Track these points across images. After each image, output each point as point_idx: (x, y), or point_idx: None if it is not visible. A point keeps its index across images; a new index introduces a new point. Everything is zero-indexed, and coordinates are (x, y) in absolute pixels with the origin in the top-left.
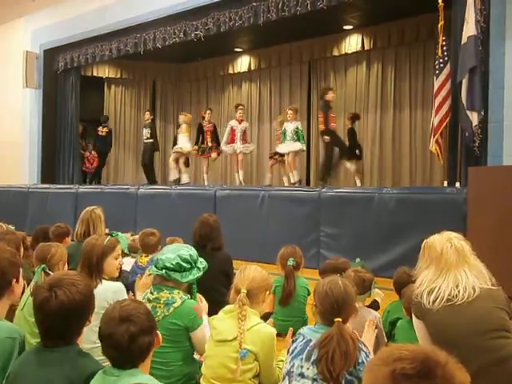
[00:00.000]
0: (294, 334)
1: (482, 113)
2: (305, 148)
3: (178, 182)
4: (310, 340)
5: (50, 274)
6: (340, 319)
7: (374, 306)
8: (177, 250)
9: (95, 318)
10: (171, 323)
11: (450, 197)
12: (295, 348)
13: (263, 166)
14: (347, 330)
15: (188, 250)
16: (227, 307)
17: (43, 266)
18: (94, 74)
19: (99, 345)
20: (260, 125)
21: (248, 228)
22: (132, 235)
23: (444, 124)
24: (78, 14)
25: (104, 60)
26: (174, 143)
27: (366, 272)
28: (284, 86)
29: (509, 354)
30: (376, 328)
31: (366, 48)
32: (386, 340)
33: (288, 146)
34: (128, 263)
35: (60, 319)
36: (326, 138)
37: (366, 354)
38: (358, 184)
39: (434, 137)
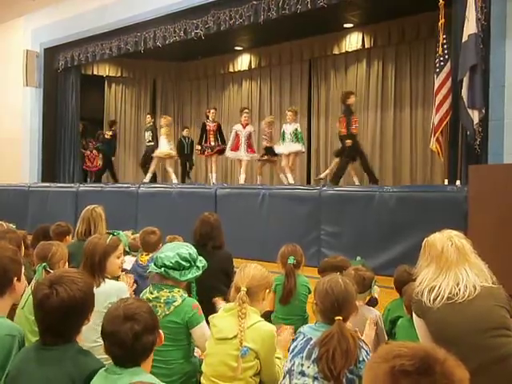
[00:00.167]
0: (294, 332)
1: (483, 111)
2: (304, 150)
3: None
4: (311, 338)
5: (50, 272)
6: (340, 317)
7: (373, 302)
8: (176, 249)
9: (97, 316)
10: (172, 322)
11: (450, 195)
12: (296, 346)
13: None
14: (348, 329)
15: (187, 249)
16: (227, 305)
17: (44, 264)
18: (95, 73)
19: (100, 343)
20: (260, 123)
21: (249, 226)
22: (133, 233)
23: (444, 122)
24: (78, 13)
25: (104, 59)
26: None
27: (366, 270)
28: (284, 84)
29: (509, 352)
30: (376, 326)
31: (366, 46)
32: (386, 338)
33: (288, 148)
34: (129, 262)
35: (60, 316)
36: (349, 141)
37: (366, 352)
38: (357, 183)
39: (434, 135)
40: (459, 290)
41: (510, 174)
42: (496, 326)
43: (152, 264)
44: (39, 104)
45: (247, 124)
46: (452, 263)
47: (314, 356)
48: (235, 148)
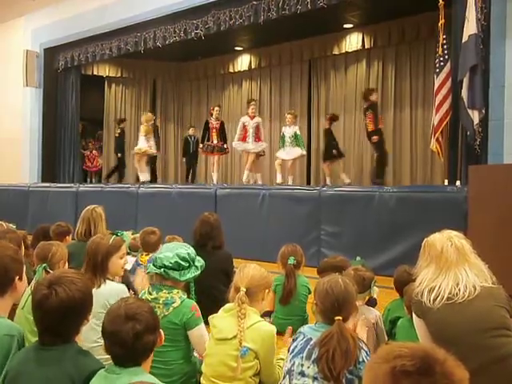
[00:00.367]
0: (293, 332)
1: (483, 111)
2: (305, 153)
3: (147, 182)
4: (311, 339)
5: (50, 272)
6: (340, 318)
7: (372, 302)
8: (175, 249)
9: (97, 317)
10: (170, 323)
11: (450, 195)
12: (296, 347)
13: (263, 165)
14: (348, 329)
15: (186, 249)
16: (227, 305)
17: (44, 264)
18: (95, 73)
19: (100, 344)
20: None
21: (249, 226)
22: (133, 233)
23: (444, 122)
24: (78, 13)
25: (104, 59)
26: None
27: (366, 270)
28: (284, 84)
29: (509, 352)
30: (376, 326)
31: (366, 47)
32: (386, 338)
33: (289, 153)
34: (129, 262)
35: (59, 317)
36: (375, 137)
37: (366, 352)
38: (347, 181)
39: (434, 135)
40: (459, 290)
41: (509, 174)
42: (496, 326)
43: (151, 265)
44: (39, 104)
45: (254, 116)
46: (452, 263)
47: (313, 356)
48: (243, 139)
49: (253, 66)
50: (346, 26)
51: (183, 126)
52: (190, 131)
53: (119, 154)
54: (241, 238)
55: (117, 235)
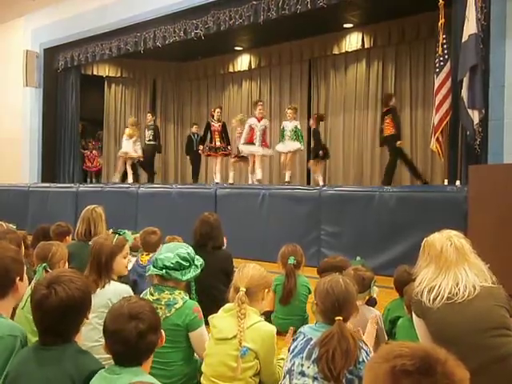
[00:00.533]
0: (294, 332)
1: (483, 111)
2: (303, 148)
3: (122, 181)
4: (311, 338)
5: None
6: (341, 318)
7: (372, 303)
8: (174, 249)
9: (100, 316)
10: (172, 324)
11: (450, 195)
12: (296, 346)
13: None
14: (348, 329)
15: (185, 249)
16: (227, 305)
17: (44, 264)
18: (95, 73)
19: (101, 343)
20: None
21: (249, 226)
22: (133, 233)
23: (444, 122)
24: (78, 13)
25: (104, 59)
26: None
27: (365, 270)
28: (284, 84)
29: (509, 351)
30: (376, 326)
31: (366, 46)
32: (386, 338)
33: (287, 146)
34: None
35: (59, 316)
36: (400, 142)
37: (366, 352)
38: (321, 183)
39: (434, 135)
40: (459, 289)
41: (509, 174)
42: (496, 325)
43: (151, 266)
44: (39, 104)
45: (262, 117)
46: (451, 263)
47: (314, 356)
48: (249, 141)
49: (253, 66)
50: (345, 25)
51: (183, 125)
52: (194, 129)
53: None
54: (241, 238)
55: (119, 234)
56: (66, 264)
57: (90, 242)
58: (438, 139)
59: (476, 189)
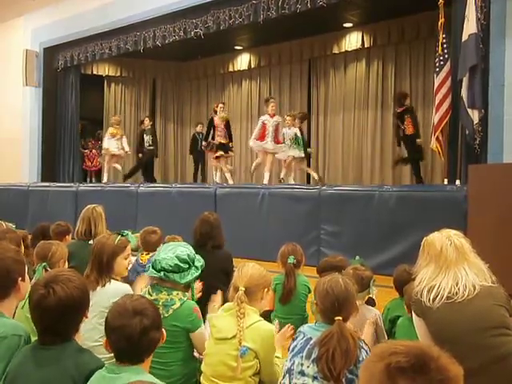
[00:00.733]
0: (294, 331)
1: (483, 111)
2: (303, 155)
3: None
4: (311, 338)
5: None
6: (340, 317)
7: (370, 303)
8: (174, 250)
9: (100, 316)
10: (170, 325)
11: (450, 194)
12: (295, 346)
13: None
14: (348, 329)
15: (185, 250)
16: (226, 305)
17: (44, 263)
18: (94, 72)
19: (101, 343)
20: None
21: (248, 226)
22: (133, 233)
23: (444, 121)
24: (78, 13)
25: (104, 58)
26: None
27: (364, 270)
28: (284, 83)
29: (509, 351)
30: (376, 325)
31: (366, 46)
32: (386, 338)
33: (287, 152)
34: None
35: (58, 315)
36: (420, 140)
37: (366, 352)
38: (316, 177)
39: (434, 134)
40: (458, 289)
41: (509, 174)
42: (496, 325)
43: (150, 267)
44: (39, 104)
45: (274, 114)
46: (451, 262)
47: (313, 356)
48: (261, 138)
49: (252, 66)
50: (345, 25)
51: (183, 125)
52: (198, 128)
53: (140, 155)
54: (241, 238)
55: (122, 235)
56: (66, 263)
57: (90, 242)
58: (438, 138)
59: (476, 188)
